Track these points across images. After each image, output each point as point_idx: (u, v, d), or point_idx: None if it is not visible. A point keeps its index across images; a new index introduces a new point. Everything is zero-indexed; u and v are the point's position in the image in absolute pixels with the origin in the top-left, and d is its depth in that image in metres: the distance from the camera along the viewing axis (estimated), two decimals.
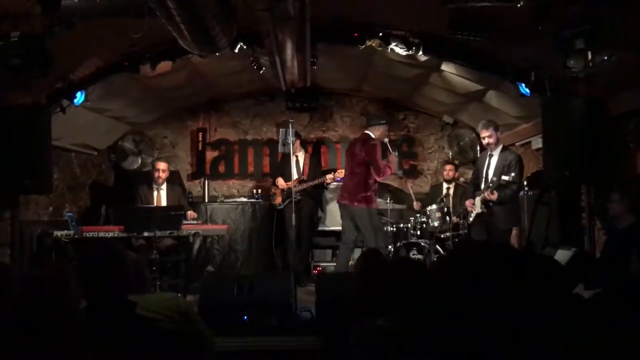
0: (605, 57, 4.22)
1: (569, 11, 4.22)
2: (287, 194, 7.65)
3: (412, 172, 9.10)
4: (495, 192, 5.87)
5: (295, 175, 7.64)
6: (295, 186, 7.42)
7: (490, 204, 5.96)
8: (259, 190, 8.65)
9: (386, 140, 6.87)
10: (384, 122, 6.86)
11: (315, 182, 7.79)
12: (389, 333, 1.69)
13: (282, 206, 7.79)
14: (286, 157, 7.84)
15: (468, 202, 6.26)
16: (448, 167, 8.17)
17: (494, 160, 6.09)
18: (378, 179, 6.62)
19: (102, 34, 5.34)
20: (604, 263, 4.71)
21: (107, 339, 2.28)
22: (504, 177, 5.84)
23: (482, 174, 6.19)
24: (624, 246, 4.54)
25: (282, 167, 7.96)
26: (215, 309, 4.80)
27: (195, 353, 3.05)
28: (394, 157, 6.86)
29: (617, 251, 4.64)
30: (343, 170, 7.89)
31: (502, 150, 6.09)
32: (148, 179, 7.28)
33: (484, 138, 6.18)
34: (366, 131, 6.88)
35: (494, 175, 5.98)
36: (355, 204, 6.60)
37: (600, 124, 5.46)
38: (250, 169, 9.17)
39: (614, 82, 5.20)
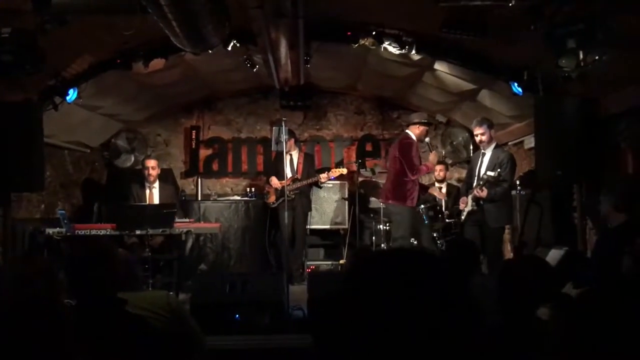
0: (597, 57, 4.23)
1: (561, 11, 4.23)
2: (280, 192, 7.65)
3: None
4: (484, 189, 5.91)
5: (289, 174, 7.63)
6: (289, 185, 7.42)
7: (481, 202, 5.99)
8: (253, 189, 8.64)
9: (427, 140, 6.90)
10: (425, 121, 6.88)
11: (309, 181, 7.79)
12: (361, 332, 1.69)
13: (275, 205, 7.78)
14: (280, 156, 7.85)
15: (461, 201, 6.28)
16: (439, 167, 8.17)
17: (486, 159, 6.12)
18: (412, 178, 6.61)
19: (95, 31, 5.32)
20: (595, 262, 4.73)
21: (96, 337, 2.28)
22: (489, 173, 5.87)
23: (475, 172, 6.22)
24: (615, 245, 4.56)
25: (276, 166, 7.95)
26: (207, 307, 4.80)
27: (186, 351, 3.05)
28: (434, 156, 6.92)
29: (608, 250, 4.65)
30: (338, 170, 7.91)
31: (495, 149, 6.12)
32: (140, 177, 7.27)
33: (476, 135, 6.21)
34: (406, 130, 6.90)
35: (485, 173, 6.01)
36: (390, 201, 6.68)
37: (593, 123, 5.48)
38: (244, 167, 9.16)
39: (606, 82, 5.22)
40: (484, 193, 5.92)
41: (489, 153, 6.12)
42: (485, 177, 5.93)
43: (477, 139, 6.21)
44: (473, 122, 6.34)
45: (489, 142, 6.14)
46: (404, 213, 6.57)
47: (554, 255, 5.28)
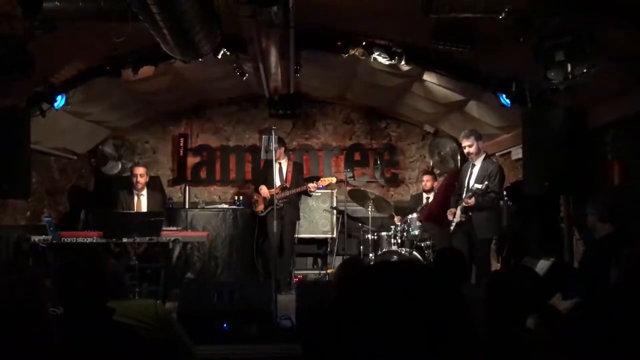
0: (585, 70, 4.28)
1: (550, 23, 4.27)
2: (269, 201, 7.63)
3: (394, 181, 9.16)
4: (472, 198, 5.95)
5: (277, 183, 7.62)
6: (277, 194, 7.39)
7: (470, 212, 6.01)
8: (241, 197, 8.62)
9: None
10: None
11: (299, 190, 7.77)
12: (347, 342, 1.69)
13: (264, 213, 7.76)
14: (269, 164, 7.83)
15: (449, 212, 6.29)
16: (426, 177, 8.19)
17: (475, 170, 6.16)
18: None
19: (84, 38, 5.30)
20: (583, 273, 4.76)
21: (83, 346, 2.25)
22: (477, 186, 5.91)
23: (464, 183, 6.25)
24: (602, 256, 4.59)
25: (264, 174, 7.93)
26: (195, 316, 4.76)
27: None
28: None
29: (595, 261, 4.68)
30: (327, 179, 7.90)
31: (484, 160, 6.16)
32: (128, 185, 7.23)
33: (464, 147, 6.24)
34: None
35: (475, 184, 6.05)
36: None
37: (580, 135, 5.53)
38: (232, 175, 9.14)
39: (593, 94, 5.28)
40: (471, 201, 5.97)
41: (478, 164, 6.16)
42: (473, 189, 5.97)
43: (465, 150, 6.25)
44: (461, 133, 6.38)
45: (477, 153, 6.17)
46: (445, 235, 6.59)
47: (542, 266, 5.30)
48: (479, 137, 6.22)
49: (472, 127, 7.64)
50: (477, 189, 5.92)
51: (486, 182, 5.87)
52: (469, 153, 6.21)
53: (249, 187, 8.86)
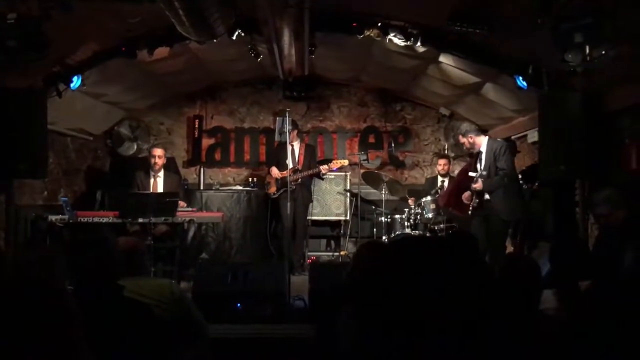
0: (604, 52, 4.22)
1: (570, 4, 4.20)
2: (281, 183, 7.64)
3: (408, 164, 9.13)
4: (479, 180, 5.95)
5: (290, 165, 7.62)
6: (290, 176, 7.38)
7: (486, 197, 5.98)
8: (255, 179, 8.64)
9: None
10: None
11: (310, 172, 7.76)
12: (365, 319, 1.71)
13: (276, 195, 7.78)
14: (282, 146, 7.84)
15: (464, 196, 6.23)
16: (442, 161, 8.15)
17: (483, 156, 6.13)
18: None
19: (100, 18, 5.31)
20: (597, 257, 4.73)
21: (95, 323, 2.29)
22: (484, 172, 5.94)
23: (477, 170, 6.23)
24: (616, 241, 4.56)
25: (277, 156, 7.94)
26: (209, 296, 4.82)
27: (188, 339, 3.06)
28: None
29: (609, 246, 4.65)
30: (339, 161, 7.89)
31: (488, 142, 6.14)
32: (145, 166, 7.27)
33: (464, 145, 6.34)
34: None
35: (484, 167, 6.03)
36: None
37: (597, 119, 5.47)
38: (247, 157, 9.16)
39: (611, 78, 5.21)
40: (478, 185, 5.97)
41: (484, 149, 6.13)
42: (481, 174, 5.97)
43: (466, 147, 6.36)
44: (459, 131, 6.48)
45: (476, 142, 6.17)
46: None
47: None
48: (468, 131, 6.24)
49: (488, 110, 7.63)
50: (483, 174, 5.93)
51: (489, 167, 5.88)
52: (467, 148, 6.29)
53: (262, 169, 8.87)
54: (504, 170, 5.92)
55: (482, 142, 6.16)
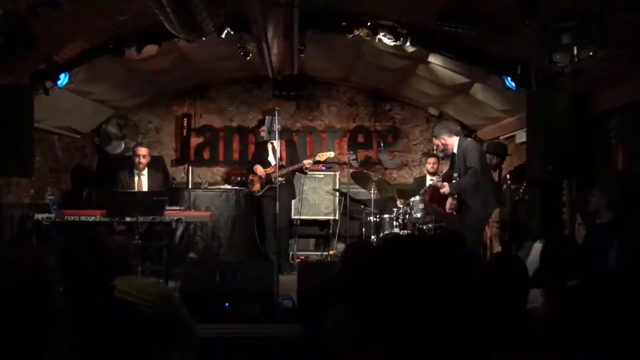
0: (591, 53, 4.25)
1: (557, 6, 4.23)
2: (265, 180, 7.62)
3: (397, 164, 9.15)
4: (445, 184, 6.04)
5: (272, 162, 7.58)
6: (273, 173, 7.32)
7: (460, 197, 6.01)
8: (239, 178, 8.61)
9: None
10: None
11: (295, 167, 7.73)
12: (355, 319, 1.72)
13: (260, 193, 7.74)
14: (262, 145, 7.83)
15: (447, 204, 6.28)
16: (431, 160, 8.18)
17: (456, 157, 6.16)
18: None
19: (88, 16, 5.27)
20: (583, 257, 4.77)
21: (85, 323, 2.28)
22: (454, 174, 6.03)
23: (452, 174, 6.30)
24: (603, 241, 4.60)
25: (258, 155, 7.93)
26: (197, 295, 4.79)
27: (176, 339, 3.04)
28: None
29: (596, 246, 4.69)
30: (324, 154, 7.84)
31: (457, 143, 6.14)
32: (129, 164, 7.22)
33: (439, 147, 6.43)
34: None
35: (455, 169, 6.08)
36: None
37: (585, 119, 5.51)
38: (235, 156, 9.13)
39: (599, 79, 5.25)
40: (445, 189, 6.03)
41: (455, 150, 6.17)
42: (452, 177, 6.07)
43: (440, 150, 6.46)
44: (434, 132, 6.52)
45: (448, 143, 6.17)
46: None
47: (538, 249, 5.31)
48: (438, 133, 6.25)
49: (477, 111, 7.66)
50: (454, 176, 6.03)
51: (464, 164, 5.92)
52: (442, 150, 6.33)
53: (236, 168, 8.89)
54: (472, 168, 5.93)
55: (454, 143, 6.17)
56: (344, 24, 5.91)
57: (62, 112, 7.03)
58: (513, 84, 5.90)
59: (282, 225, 7.71)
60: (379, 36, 5.86)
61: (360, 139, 9.15)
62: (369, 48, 6.68)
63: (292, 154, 7.94)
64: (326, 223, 8.75)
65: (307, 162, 7.70)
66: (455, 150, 6.12)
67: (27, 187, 6.90)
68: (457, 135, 6.15)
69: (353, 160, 8.43)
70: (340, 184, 8.63)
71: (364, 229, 8.00)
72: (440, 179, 6.53)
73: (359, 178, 8.00)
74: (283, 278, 6.42)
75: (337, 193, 8.58)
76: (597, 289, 1.71)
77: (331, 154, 7.90)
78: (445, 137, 6.16)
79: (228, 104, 9.17)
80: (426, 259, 1.20)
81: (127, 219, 6.01)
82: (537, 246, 5.50)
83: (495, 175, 7.40)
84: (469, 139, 6.51)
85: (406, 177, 9.12)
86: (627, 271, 2.84)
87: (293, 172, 7.83)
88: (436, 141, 6.32)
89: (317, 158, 7.75)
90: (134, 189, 6.95)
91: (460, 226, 6.08)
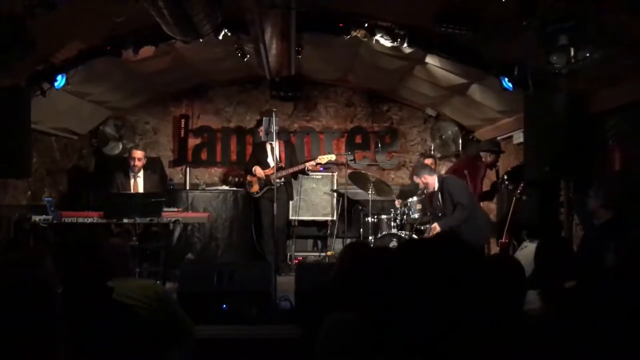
0: (588, 54, 4.25)
1: (554, 7, 4.24)
2: (264, 182, 7.61)
3: (394, 164, 9.15)
4: (435, 226, 6.15)
5: (272, 163, 7.58)
6: (272, 174, 7.31)
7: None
8: (237, 179, 8.60)
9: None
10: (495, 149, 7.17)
11: (296, 168, 7.73)
12: (355, 328, 1.71)
13: (259, 194, 7.74)
14: (260, 146, 7.82)
15: (432, 227, 6.33)
16: (428, 160, 8.16)
17: (439, 196, 6.33)
18: None
19: (85, 17, 5.26)
20: (580, 257, 4.77)
21: (83, 324, 2.27)
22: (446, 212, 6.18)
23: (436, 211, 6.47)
24: (600, 241, 4.60)
25: (256, 156, 7.92)
26: (194, 296, 4.79)
27: (173, 340, 3.04)
28: None
29: (593, 246, 4.70)
30: (325, 156, 7.85)
31: (438, 183, 6.34)
32: (125, 166, 7.20)
33: (417, 184, 6.61)
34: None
35: (446, 207, 6.22)
36: None
37: (582, 120, 5.52)
38: (233, 157, 9.12)
39: (595, 79, 5.25)
40: (437, 230, 6.09)
41: (437, 188, 6.35)
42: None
43: (420, 187, 6.58)
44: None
45: (429, 182, 6.35)
46: None
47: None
48: (418, 171, 6.49)
49: (474, 111, 7.67)
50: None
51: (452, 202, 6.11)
52: (425, 187, 6.47)
53: (234, 169, 8.88)
54: (460, 204, 6.08)
55: (434, 182, 6.34)
56: (341, 25, 5.91)
57: (59, 114, 7.02)
58: (510, 84, 5.90)
59: (279, 226, 7.70)
60: (376, 37, 5.86)
61: (358, 139, 9.15)
62: (366, 49, 6.69)
63: (291, 155, 7.94)
64: (324, 224, 8.75)
65: (309, 165, 7.72)
66: (436, 188, 6.33)
67: (24, 189, 6.89)
68: (436, 174, 6.44)
69: (351, 160, 8.42)
70: (338, 184, 8.63)
71: (362, 230, 8.00)
72: (423, 196, 6.71)
73: (357, 179, 8.00)
74: (281, 279, 6.41)
75: (335, 194, 8.58)
76: (595, 290, 1.71)
77: (332, 157, 7.92)
78: (426, 175, 6.39)
79: (225, 104, 9.17)
80: (424, 260, 1.20)
81: (125, 220, 6.01)
82: (530, 247, 5.51)
83: (492, 174, 7.43)
84: (447, 175, 6.74)
85: (404, 178, 9.12)
86: (624, 272, 2.84)
87: (295, 173, 7.83)
88: (417, 180, 6.49)
89: (319, 160, 7.76)
90: (130, 190, 6.93)
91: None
